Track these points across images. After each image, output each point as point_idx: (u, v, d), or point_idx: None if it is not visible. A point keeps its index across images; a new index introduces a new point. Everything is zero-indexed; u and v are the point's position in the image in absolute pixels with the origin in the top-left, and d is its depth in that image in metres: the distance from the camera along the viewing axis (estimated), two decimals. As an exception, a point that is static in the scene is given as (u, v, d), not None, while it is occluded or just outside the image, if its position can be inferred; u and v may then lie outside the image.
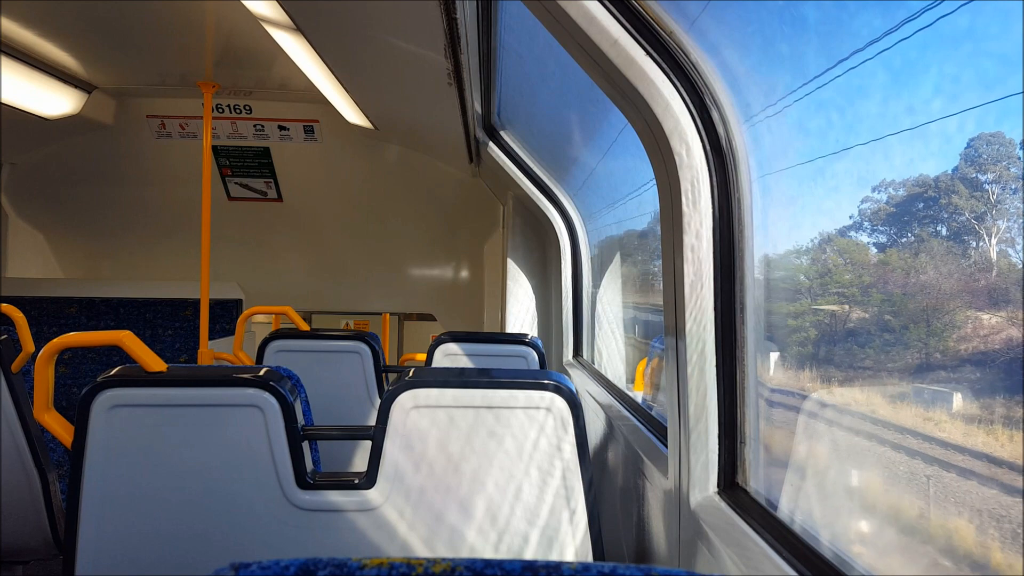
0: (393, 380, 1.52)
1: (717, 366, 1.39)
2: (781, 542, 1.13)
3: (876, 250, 1.18)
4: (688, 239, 1.36)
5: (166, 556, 1.46)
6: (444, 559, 0.55)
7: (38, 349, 1.77)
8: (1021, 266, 0.90)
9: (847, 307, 1.24)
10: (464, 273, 5.24)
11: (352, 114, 3.70)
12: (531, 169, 3.67)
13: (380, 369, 2.70)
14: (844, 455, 1.22)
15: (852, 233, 1.20)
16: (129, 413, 1.45)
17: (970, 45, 0.92)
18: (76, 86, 3.80)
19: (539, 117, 3.26)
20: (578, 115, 2.81)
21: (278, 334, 2.66)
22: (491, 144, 3.57)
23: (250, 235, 5.05)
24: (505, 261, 4.36)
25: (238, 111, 4.45)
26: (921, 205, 1.06)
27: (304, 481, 1.47)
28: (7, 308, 2.29)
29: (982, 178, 0.95)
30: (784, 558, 1.09)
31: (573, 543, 1.48)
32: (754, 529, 1.21)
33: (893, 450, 1.06)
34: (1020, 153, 0.90)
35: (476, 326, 5.18)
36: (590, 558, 1.49)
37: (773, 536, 1.16)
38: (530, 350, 2.70)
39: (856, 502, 1.17)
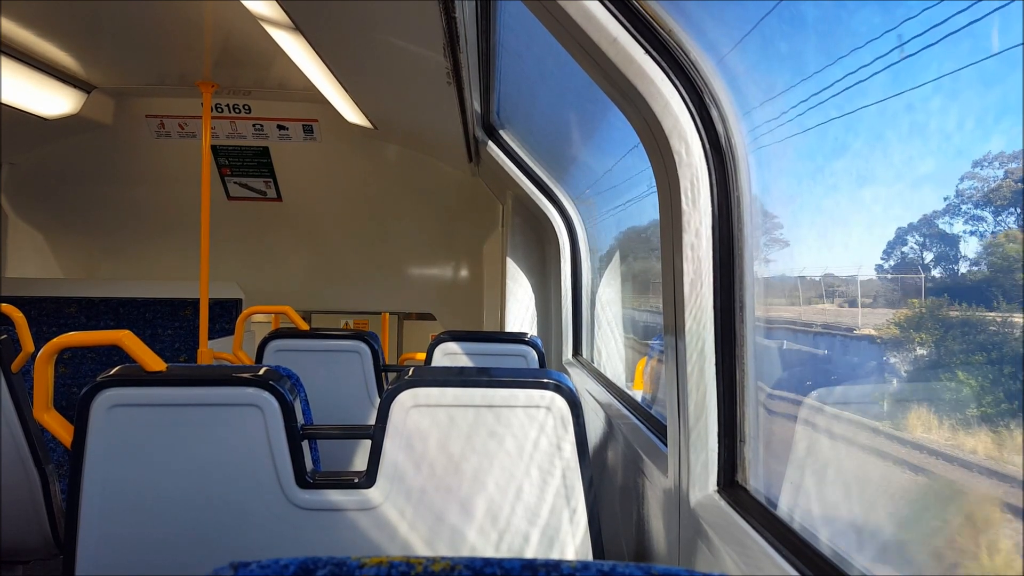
0: (393, 379, 1.52)
1: (717, 365, 1.39)
2: (781, 540, 1.13)
3: None
4: (688, 238, 1.36)
5: (166, 555, 1.46)
6: (443, 558, 0.55)
7: (38, 349, 1.77)
8: None
9: None
10: (463, 272, 5.23)
11: (351, 113, 3.69)
12: (530, 168, 3.67)
13: (380, 368, 2.70)
14: None
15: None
16: (129, 413, 1.45)
17: (969, 42, 0.92)
18: (75, 86, 3.80)
19: (538, 116, 3.26)
20: (577, 114, 2.81)
21: (277, 334, 2.66)
22: (490, 143, 3.57)
23: (249, 235, 5.05)
24: (504, 260, 4.36)
25: (237, 111, 4.45)
26: None
27: (304, 480, 1.47)
28: (7, 308, 2.29)
29: None
30: (784, 556, 1.09)
31: (573, 542, 1.48)
32: (754, 528, 1.21)
33: None
34: None
35: (476, 325, 5.18)
36: (590, 557, 1.49)
37: (773, 534, 1.16)
38: (530, 349, 2.70)
39: None
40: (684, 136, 1.33)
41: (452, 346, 2.70)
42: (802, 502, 1.19)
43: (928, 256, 1.03)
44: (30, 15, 2.83)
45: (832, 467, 1.20)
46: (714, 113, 1.32)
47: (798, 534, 1.13)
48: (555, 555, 1.49)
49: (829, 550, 1.06)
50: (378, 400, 2.53)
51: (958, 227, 0.99)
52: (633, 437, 1.97)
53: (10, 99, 3.43)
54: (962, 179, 0.96)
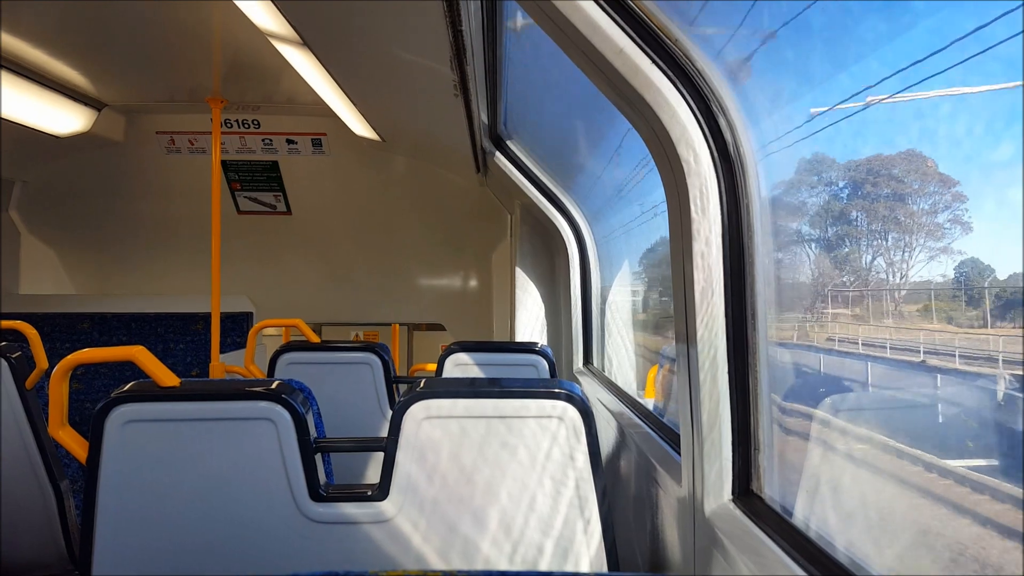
0: (404, 391, 1.52)
1: (729, 373, 1.38)
2: (798, 549, 1.12)
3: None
4: (698, 246, 1.35)
5: (181, 570, 1.46)
6: (460, 571, 0.55)
7: (52, 365, 1.78)
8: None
9: None
10: (473, 282, 5.24)
11: (359, 127, 3.72)
12: (538, 178, 3.67)
13: (391, 380, 2.70)
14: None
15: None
16: (143, 428, 1.46)
17: (976, 48, 0.92)
18: (86, 104, 3.84)
19: (545, 126, 3.27)
20: (584, 123, 2.81)
21: (289, 347, 2.67)
22: (498, 154, 3.59)
23: (260, 248, 5.08)
24: (514, 270, 4.36)
25: (246, 126, 4.49)
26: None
27: (317, 493, 1.48)
28: (20, 325, 2.31)
29: None
30: (801, 566, 1.08)
31: (588, 553, 1.48)
32: (770, 537, 1.20)
33: None
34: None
35: (486, 335, 5.18)
36: (605, 568, 1.48)
37: (789, 543, 1.15)
38: (540, 359, 2.70)
39: None
40: (692, 144, 1.33)
41: (462, 356, 2.70)
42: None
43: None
44: (41, 34, 2.87)
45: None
46: (722, 121, 1.33)
47: (815, 543, 1.12)
48: (569, 566, 1.48)
49: (846, 559, 1.05)
50: (390, 412, 2.54)
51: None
52: (646, 446, 1.96)
53: (22, 117, 3.48)
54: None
